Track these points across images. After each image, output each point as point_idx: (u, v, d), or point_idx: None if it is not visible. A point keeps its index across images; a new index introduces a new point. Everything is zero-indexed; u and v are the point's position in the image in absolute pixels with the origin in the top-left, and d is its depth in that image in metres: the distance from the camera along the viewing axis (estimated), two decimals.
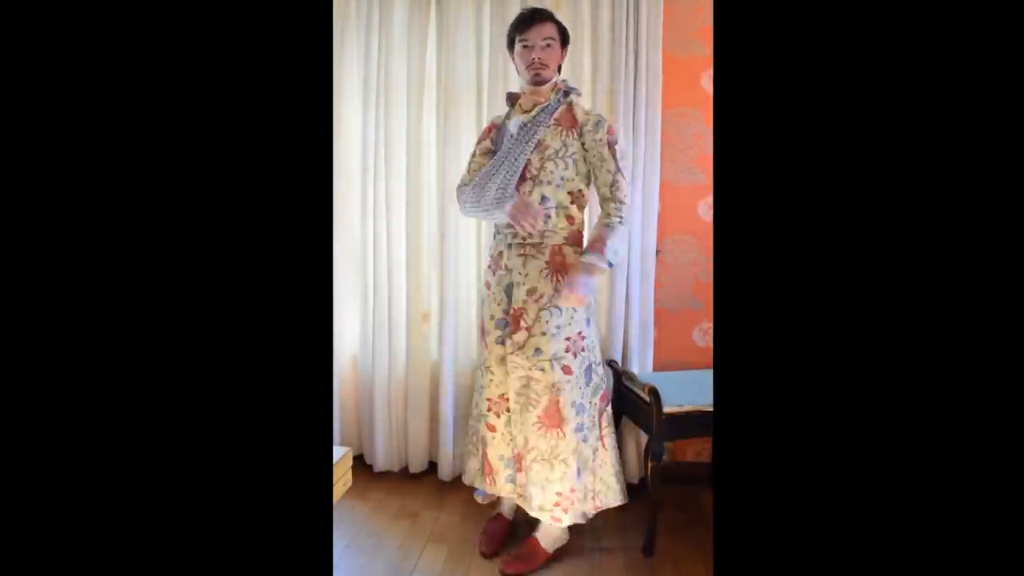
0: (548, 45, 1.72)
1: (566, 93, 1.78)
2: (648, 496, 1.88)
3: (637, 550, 1.91)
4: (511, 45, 1.78)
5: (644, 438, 2.26)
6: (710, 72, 2.27)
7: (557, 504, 1.77)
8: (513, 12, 2.18)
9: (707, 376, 2.10)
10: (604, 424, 1.83)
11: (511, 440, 1.82)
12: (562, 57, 1.79)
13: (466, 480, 2.01)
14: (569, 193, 1.75)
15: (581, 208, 1.79)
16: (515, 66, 1.80)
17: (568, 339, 1.73)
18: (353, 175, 2.39)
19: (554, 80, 1.77)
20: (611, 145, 1.74)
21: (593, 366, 1.79)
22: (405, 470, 2.43)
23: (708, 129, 2.28)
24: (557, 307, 1.72)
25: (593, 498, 1.81)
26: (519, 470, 1.80)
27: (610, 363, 2.17)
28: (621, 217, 1.71)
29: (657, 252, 2.27)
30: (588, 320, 1.78)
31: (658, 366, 2.33)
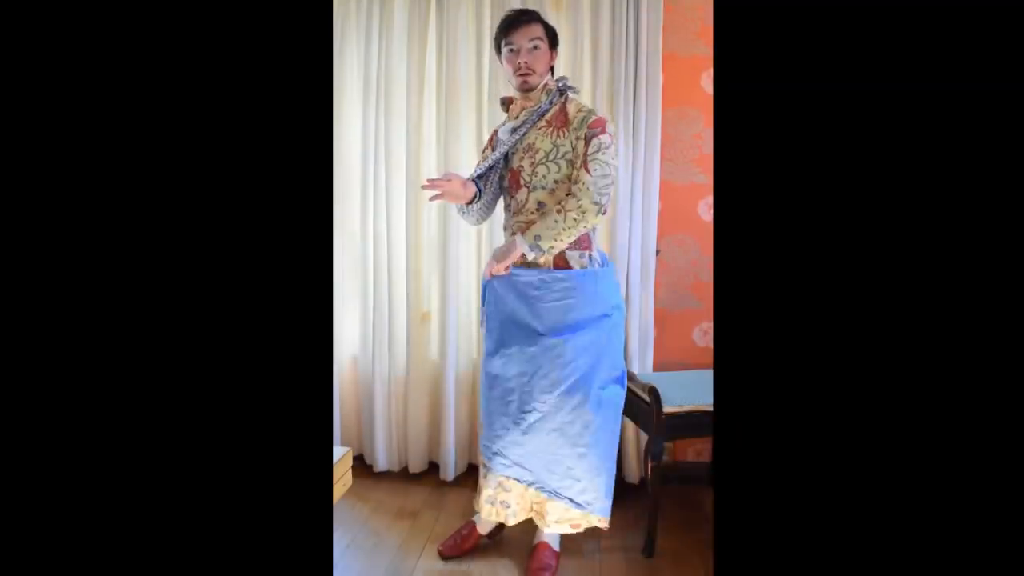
0: (535, 47, 1.65)
1: (561, 92, 1.71)
2: (648, 496, 1.88)
3: (637, 550, 1.91)
4: (499, 49, 1.72)
5: (644, 438, 2.26)
6: (710, 72, 2.27)
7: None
8: None
9: (707, 376, 2.10)
10: None
11: None
12: (552, 59, 1.72)
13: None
14: (558, 197, 1.67)
15: None
16: (504, 71, 1.73)
17: None
18: (353, 175, 2.39)
19: (544, 82, 1.70)
20: (587, 139, 1.62)
21: None
22: (405, 470, 2.43)
23: (708, 129, 2.29)
24: None
25: None
26: None
27: None
28: (561, 207, 1.60)
29: (657, 252, 2.27)
30: None
31: (658, 366, 2.33)
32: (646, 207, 2.23)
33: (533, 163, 1.67)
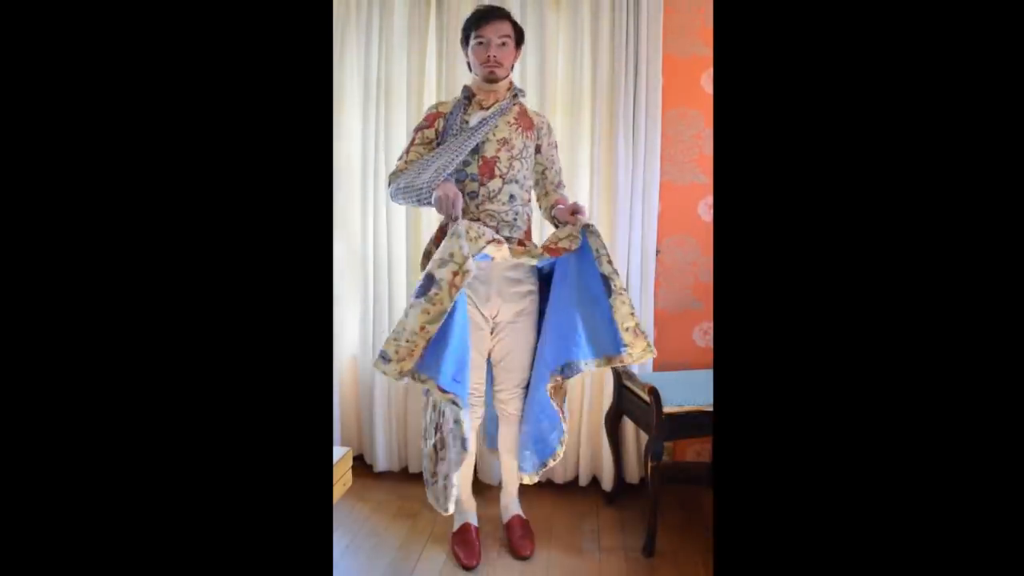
0: (503, 44, 1.71)
1: (515, 94, 1.80)
2: (648, 496, 1.88)
3: (637, 550, 1.91)
4: (465, 40, 1.76)
5: (644, 438, 2.26)
6: (710, 72, 2.27)
7: None
8: (514, 13, 2.19)
9: (707, 376, 2.10)
10: None
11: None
12: (516, 57, 1.79)
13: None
14: (526, 191, 1.82)
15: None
16: (468, 62, 1.79)
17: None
18: (353, 175, 2.39)
19: (508, 78, 1.79)
20: (556, 148, 1.90)
21: None
22: (405, 470, 2.43)
23: (708, 129, 2.28)
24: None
25: None
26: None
27: None
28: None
29: (657, 252, 2.27)
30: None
31: (658, 366, 2.33)
32: (646, 207, 2.22)
33: (510, 156, 1.75)
